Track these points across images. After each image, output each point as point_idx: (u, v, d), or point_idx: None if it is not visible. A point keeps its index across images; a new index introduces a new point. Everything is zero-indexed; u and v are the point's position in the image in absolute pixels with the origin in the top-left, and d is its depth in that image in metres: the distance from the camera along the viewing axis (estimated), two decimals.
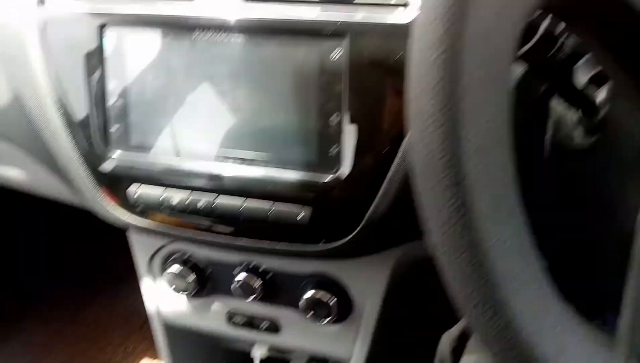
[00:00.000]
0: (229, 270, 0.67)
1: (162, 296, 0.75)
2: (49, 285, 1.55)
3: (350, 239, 0.54)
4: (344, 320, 0.67)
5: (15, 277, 1.44)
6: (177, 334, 0.78)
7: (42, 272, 1.54)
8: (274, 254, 0.61)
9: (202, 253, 0.67)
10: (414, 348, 0.78)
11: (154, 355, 1.36)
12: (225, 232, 0.58)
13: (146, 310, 0.78)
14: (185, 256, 0.68)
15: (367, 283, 0.65)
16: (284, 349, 0.75)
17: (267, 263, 0.65)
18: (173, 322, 0.76)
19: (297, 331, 0.70)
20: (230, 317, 0.72)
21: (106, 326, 1.44)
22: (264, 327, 0.71)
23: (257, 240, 0.58)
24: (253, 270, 0.66)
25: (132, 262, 0.74)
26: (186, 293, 0.69)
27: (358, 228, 0.54)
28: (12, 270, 1.43)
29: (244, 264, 0.66)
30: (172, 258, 0.69)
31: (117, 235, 0.71)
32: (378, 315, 0.66)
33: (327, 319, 0.66)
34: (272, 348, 0.77)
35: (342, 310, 0.65)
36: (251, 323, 0.71)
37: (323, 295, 0.63)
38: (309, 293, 0.64)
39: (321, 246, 0.56)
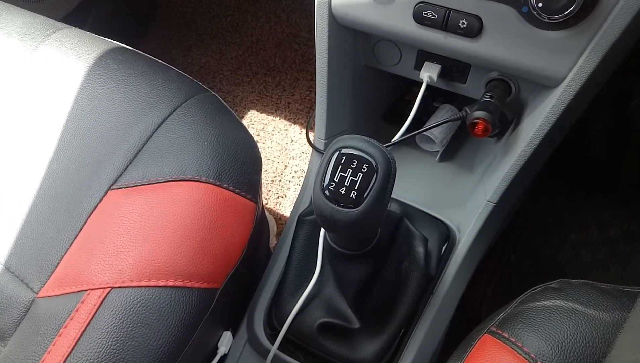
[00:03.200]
0: None
1: None
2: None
3: None
4: (578, 22, 0.51)
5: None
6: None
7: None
8: None
9: None
10: None
11: (262, 109, 1.31)
12: None
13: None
14: None
15: None
16: (473, 59, 0.61)
17: None
18: (343, 15, 0.63)
19: (503, 35, 0.55)
20: (419, 13, 0.58)
21: (215, 71, 1.38)
22: (461, 27, 0.57)
23: None
24: None
25: None
26: None
27: None
28: None
29: None
30: None
31: None
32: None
33: (556, 17, 0.51)
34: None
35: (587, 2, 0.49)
36: (444, 20, 0.57)
37: None
38: None
39: None
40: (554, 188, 1.05)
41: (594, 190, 1.03)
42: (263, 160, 1.24)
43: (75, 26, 0.73)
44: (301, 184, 0.90)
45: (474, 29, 0.56)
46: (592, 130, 0.95)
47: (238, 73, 1.37)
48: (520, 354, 0.46)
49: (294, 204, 0.77)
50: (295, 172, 1.22)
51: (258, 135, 1.27)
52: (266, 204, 1.19)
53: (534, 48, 0.55)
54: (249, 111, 1.31)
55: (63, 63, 0.66)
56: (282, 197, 1.19)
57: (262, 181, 1.21)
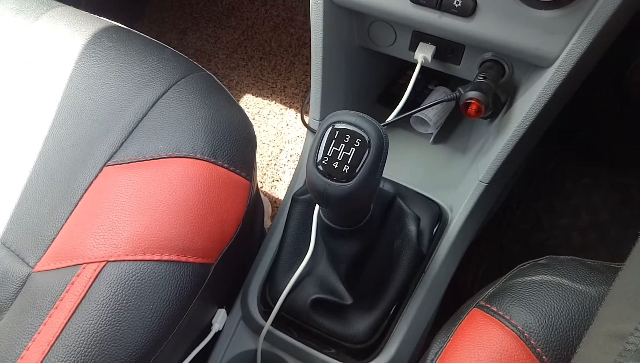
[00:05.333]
0: None
1: None
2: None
3: None
4: (571, 2, 0.52)
5: None
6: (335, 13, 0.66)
7: None
8: None
9: None
10: None
11: (257, 92, 1.30)
12: None
13: None
14: None
15: None
16: (467, 40, 0.61)
17: None
18: None
19: (497, 14, 0.56)
20: None
21: (210, 55, 1.38)
22: (455, 7, 0.57)
23: None
24: None
25: None
26: None
27: None
28: None
29: None
30: None
31: None
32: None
33: None
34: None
35: None
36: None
37: None
38: None
39: None
40: (547, 168, 1.06)
41: (586, 171, 1.05)
42: (259, 144, 1.24)
43: None
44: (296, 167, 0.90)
45: (468, 8, 0.57)
46: (589, 102, 0.96)
47: (234, 57, 1.37)
48: (508, 327, 0.47)
49: (288, 186, 0.77)
50: (291, 156, 1.22)
51: (254, 119, 1.27)
52: (261, 187, 1.20)
53: (527, 28, 0.55)
54: (244, 94, 1.31)
55: (57, 41, 0.66)
56: (278, 181, 1.20)
57: (258, 165, 1.22)
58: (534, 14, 0.54)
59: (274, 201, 1.18)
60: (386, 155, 0.46)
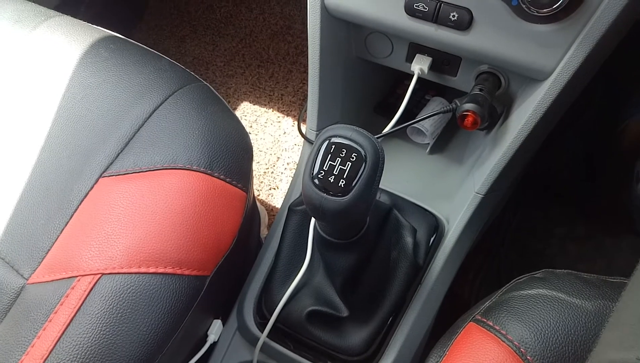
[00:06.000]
0: None
1: None
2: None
3: None
4: (567, 16, 0.52)
5: None
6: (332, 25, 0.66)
7: None
8: None
9: None
10: None
11: (255, 100, 1.31)
12: None
13: None
14: None
15: None
16: (463, 52, 0.62)
17: None
18: (336, 6, 0.63)
19: (493, 28, 0.56)
20: (410, 5, 0.58)
21: (208, 62, 1.38)
22: (452, 20, 0.57)
23: None
24: None
25: None
26: None
27: None
28: None
29: None
30: None
31: None
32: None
33: (545, 11, 0.52)
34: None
35: None
36: (435, 12, 0.57)
37: None
38: None
39: None
40: (540, 183, 1.07)
41: (579, 186, 1.05)
42: (256, 152, 1.24)
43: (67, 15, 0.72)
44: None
45: (465, 22, 0.57)
46: (576, 127, 0.97)
47: (231, 65, 1.37)
48: (504, 342, 0.47)
49: (285, 195, 0.77)
50: (288, 164, 1.22)
51: (251, 127, 1.28)
52: (258, 196, 1.20)
53: (523, 41, 0.56)
54: (242, 102, 1.31)
55: (54, 51, 0.66)
56: (275, 189, 1.20)
57: (255, 173, 1.21)
58: (529, 27, 0.54)
59: (270, 210, 1.18)
60: (382, 170, 0.46)
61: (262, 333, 0.64)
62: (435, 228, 0.69)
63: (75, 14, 0.74)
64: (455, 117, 0.63)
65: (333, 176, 0.45)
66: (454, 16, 0.57)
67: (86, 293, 0.50)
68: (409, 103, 0.67)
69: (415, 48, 0.67)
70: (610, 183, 0.98)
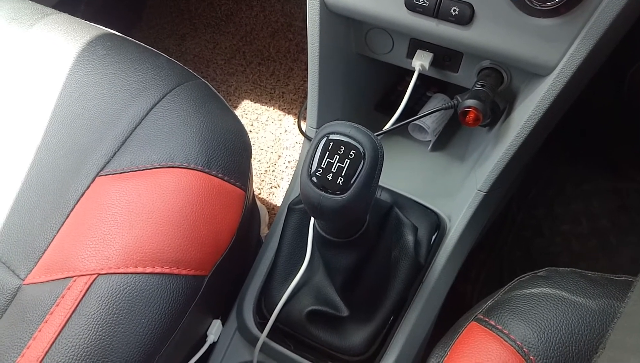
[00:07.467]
0: None
1: None
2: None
3: None
4: (570, 9, 0.51)
5: None
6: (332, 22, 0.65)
7: None
8: None
9: None
10: None
11: (256, 98, 1.30)
12: None
13: None
14: None
15: None
16: (465, 47, 0.61)
17: None
18: (335, 2, 0.62)
19: (495, 23, 0.55)
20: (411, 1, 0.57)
21: (208, 60, 1.37)
22: (453, 15, 0.56)
23: None
24: None
25: None
26: None
27: None
28: None
29: None
30: None
31: None
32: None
33: (548, 4, 0.51)
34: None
35: None
36: (436, 7, 0.56)
37: None
38: None
39: None
40: (547, 175, 1.06)
41: (586, 176, 1.04)
42: (257, 150, 1.23)
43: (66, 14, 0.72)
44: None
45: (466, 16, 0.56)
46: (590, 105, 0.95)
47: (232, 63, 1.36)
48: (506, 341, 0.46)
49: (285, 194, 0.77)
50: (289, 162, 1.21)
51: (252, 125, 1.27)
52: (259, 194, 1.19)
53: (526, 36, 0.55)
54: (242, 100, 1.31)
55: (51, 49, 0.65)
56: (276, 187, 1.19)
57: (256, 171, 1.21)
58: (532, 22, 0.53)
59: (271, 208, 1.17)
60: (381, 167, 0.46)
61: (262, 333, 0.64)
62: (437, 226, 0.68)
63: (74, 13, 0.73)
64: (457, 114, 0.62)
65: (331, 174, 0.44)
66: (455, 11, 0.56)
67: (82, 293, 0.50)
68: (410, 100, 0.66)
69: (416, 44, 0.66)
70: None
